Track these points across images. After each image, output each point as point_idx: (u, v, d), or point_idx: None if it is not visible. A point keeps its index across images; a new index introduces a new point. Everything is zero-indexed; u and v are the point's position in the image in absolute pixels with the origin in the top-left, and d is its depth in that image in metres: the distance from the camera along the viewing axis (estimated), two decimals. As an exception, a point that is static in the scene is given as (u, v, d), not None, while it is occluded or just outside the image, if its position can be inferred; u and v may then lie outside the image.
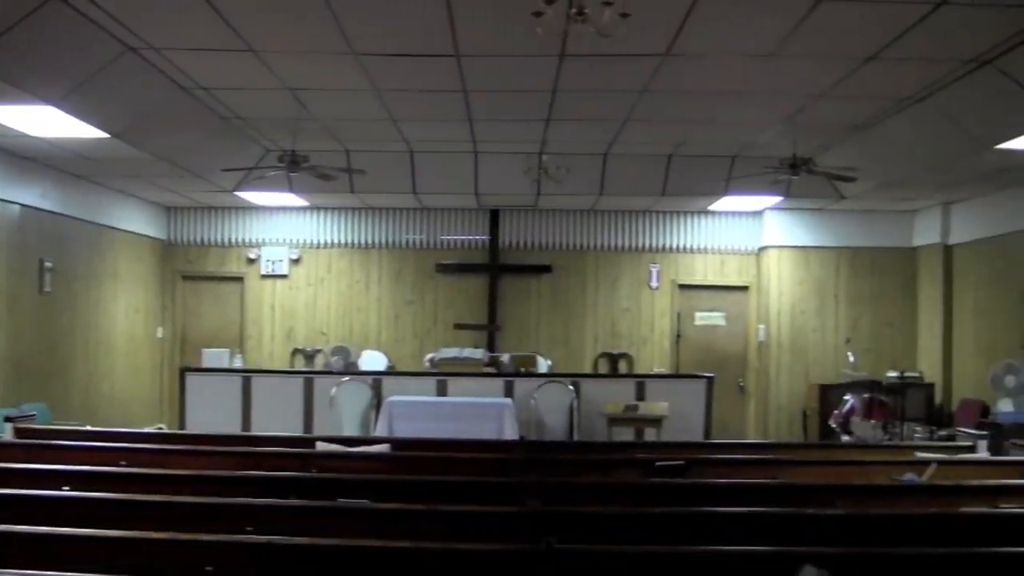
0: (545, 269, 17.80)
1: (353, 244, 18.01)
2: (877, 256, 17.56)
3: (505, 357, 15.43)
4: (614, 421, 13.32)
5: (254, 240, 18.05)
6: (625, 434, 13.32)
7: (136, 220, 16.76)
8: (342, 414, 13.69)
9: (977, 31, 8.58)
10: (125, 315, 16.35)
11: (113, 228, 15.86)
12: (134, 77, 9.97)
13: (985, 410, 14.08)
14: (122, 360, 16.21)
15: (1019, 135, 10.55)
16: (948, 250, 16.55)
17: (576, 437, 13.72)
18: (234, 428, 13.69)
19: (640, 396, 14.18)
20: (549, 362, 16.47)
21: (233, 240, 18.06)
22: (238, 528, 5.40)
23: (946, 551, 4.93)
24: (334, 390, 13.78)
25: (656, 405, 13.54)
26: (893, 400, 14.38)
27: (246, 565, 4.77)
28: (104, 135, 10.94)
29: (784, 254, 17.48)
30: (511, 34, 8.73)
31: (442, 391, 14.01)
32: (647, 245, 17.97)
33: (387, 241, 17.98)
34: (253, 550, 4.84)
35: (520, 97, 11.15)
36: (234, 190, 15.40)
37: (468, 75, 10.22)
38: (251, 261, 17.98)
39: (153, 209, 17.45)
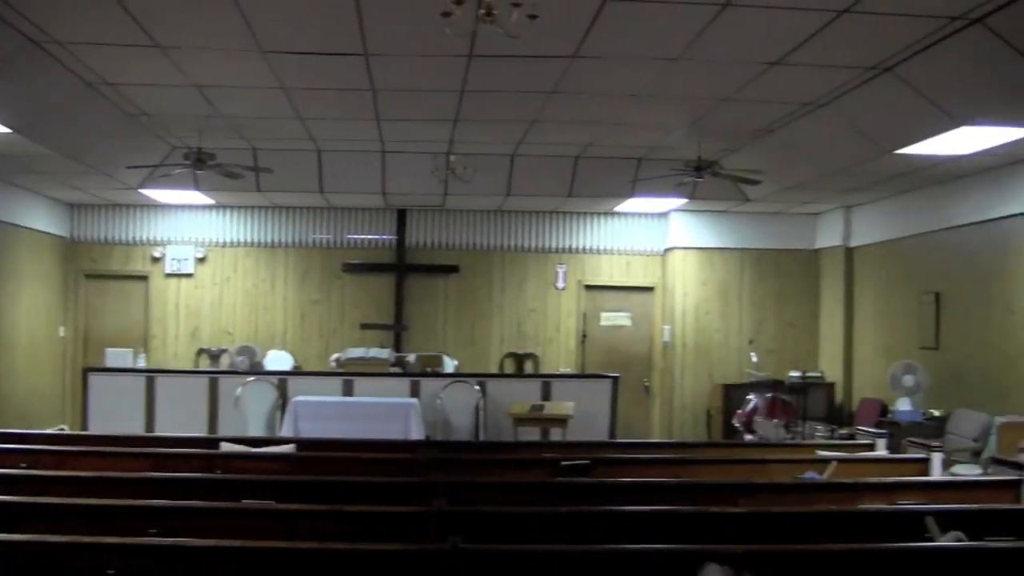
0: (452, 269, 17.81)
1: (259, 243, 17.90)
2: (780, 258, 17.78)
3: (411, 357, 15.43)
4: (520, 421, 13.37)
5: (159, 239, 17.86)
6: (531, 434, 13.37)
7: (38, 217, 16.52)
8: (247, 414, 13.62)
9: (878, 39, 8.73)
10: (26, 314, 16.10)
11: (14, 225, 15.61)
12: (37, 71, 9.85)
13: (884, 409, 14.31)
14: (23, 360, 15.97)
15: (918, 140, 10.75)
16: (849, 252, 16.81)
17: (482, 437, 13.76)
18: (138, 429, 13.57)
19: (546, 396, 14.25)
20: (455, 362, 16.49)
21: (138, 238, 17.86)
22: (141, 530, 5.37)
23: (846, 547, 5.03)
24: (239, 390, 13.70)
25: (562, 405, 13.61)
26: (795, 400, 14.58)
27: (150, 568, 4.74)
28: (5, 130, 10.78)
29: (689, 255, 17.65)
30: (420, 34, 8.75)
31: (348, 391, 13.98)
32: (554, 246, 18.05)
33: (294, 240, 17.89)
34: (157, 552, 4.82)
35: (428, 97, 11.17)
36: (139, 187, 15.23)
37: (376, 74, 10.22)
38: (156, 260, 17.79)
39: (56, 206, 17.21)
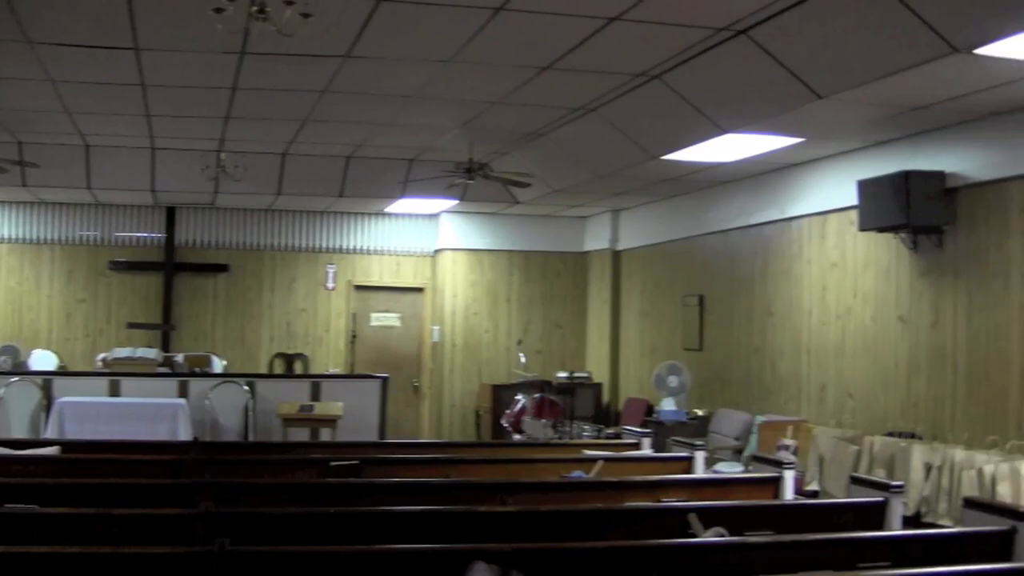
0: (222, 268, 17.54)
1: (24, 239, 17.28)
2: (549, 260, 18.03)
3: (179, 357, 15.17)
4: (289, 421, 13.27)
5: (-85, 234, 17.18)
6: (300, 434, 13.28)
7: None
8: (10, 416, 13.18)
9: (646, 47, 8.92)
10: None
11: None
12: None
13: (649, 409, 14.62)
14: None
15: (683, 147, 11.03)
16: (616, 255, 17.14)
17: (251, 437, 13.61)
18: None
19: (315, 396, 14.17)
20: (224, 362, 16.27)
21: None
22: None
23: (612, 544, 5.12)
24: (1, 391, 13.25)
25: (331, 405, 13.56)
26: (563, 400, 14.78)
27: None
28: None
29: (459, 256, 17.75)
30: (192, 29, 8.60)
31: (115, 392, 13.64)
32: (324, 246, 17.95)
33: (60, 237, 17.34)
34: (-89, 559, 4.64)
35: (200, 93, 10.99)
36: None
37: (147, 69, 10.01)
38: (-90, 256, 17.11)
39: None
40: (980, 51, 7.07)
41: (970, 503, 5.98)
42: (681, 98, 9.90)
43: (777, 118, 9.52)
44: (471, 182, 13.31)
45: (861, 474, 8.35)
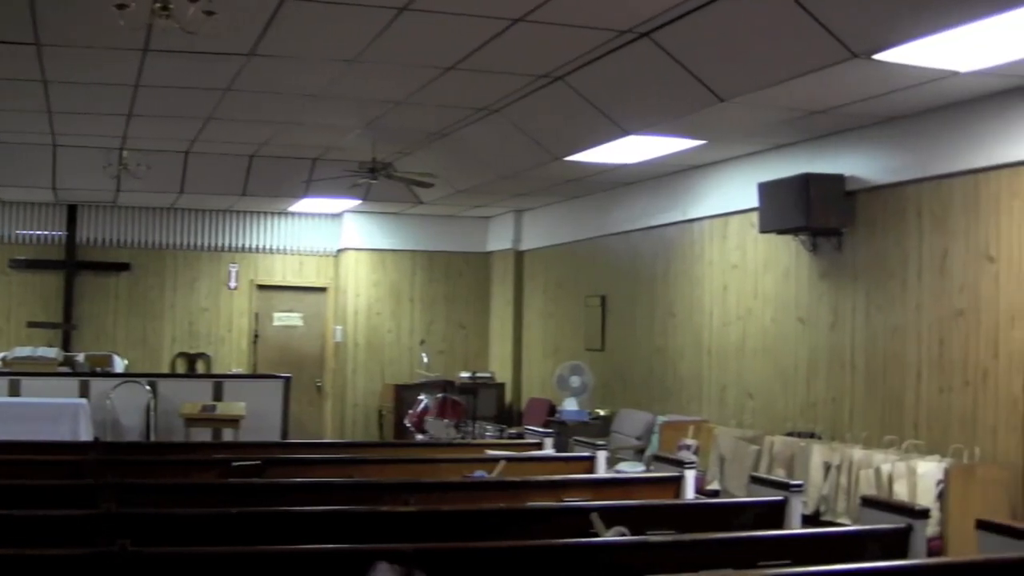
0: (123, 267, 17.29)
1: (-83, 237, 16.98)
2: (452, 260, 18.04)
3: (80, 356, 14.97)
4: (191, 421, 13.14)
5: None
6: (203, 434, 13.15)
7: None
8: (-96, 417, 12.93)
9: (550, 48, 8.95)
10: None
11: None
12: None
13: (552, 409, 14.67)
14: None
15: (586, 148, 11.08)
16: (519, 256, 17.18)
17: (153, 438, 13.47)
18: None
19: (218, 396, 14.06)
20: (126, 362, 16.08)
21: None
22: None
23: (515, 544, 5.13)
24: None
25: (233, 405, 13.46)
26: (465, 400, 14.79)
27: None
28: None
29: (362, 256, 17.70)
30: (94, 25, 8.48)
31: (14, 391, 13.41)
32: (227, 245, 17.79)
33: (-44, 235, 17.06)
34: None
35: (102, 90, 10.84)
36: None
37: (48, 65, 9.85)
38: None
39: None
40: (879, 57, 7.18)
41: (868, 501, 6.07)
42: (584, 100, 9.94)
43: (679, 120, 9.60)
44: (374, 182, 13.28)
45: (761, 473, 8.44)
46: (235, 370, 17.05)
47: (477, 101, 10.92)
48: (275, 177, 15.19)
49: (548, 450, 9.49)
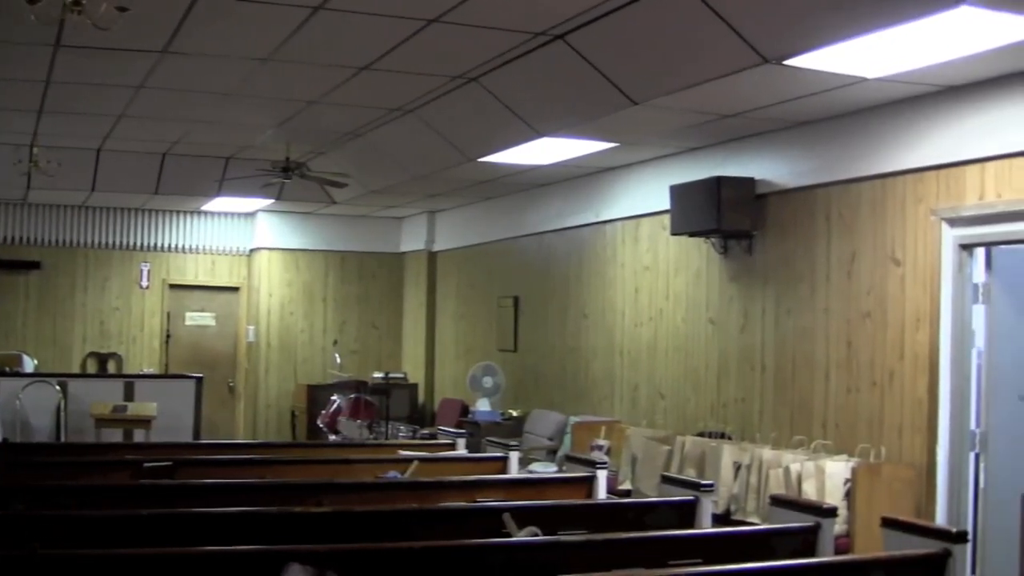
0: (34, 266, 17.05)
1: None
2: (365, 260, 18.02)
3: (-11, 356, 14.81)
4: (102, 422, 13.01)
5: None
6: (114, 435, 13.03)
7: None
8: None
9: (464, 49, 8.97)
10: None
11: None
12: None
13: (465, 409, 14.70)
14: None
15: (500, 149, 11.11)
16: (433, 256, 17.20)
17: (64, 438, 13.31)
18: None
19: (129, 396, 13.93)
20: (36, 361, 15.89)
21: None
22: None
23: (428, 544, 5.15)
24: None
25: (145, 406, 13.34)
26: (378, 400, 14.76)
27: None
28: None
29: (275, 256, 17.62)
30: (4, 20, 8.37)
31: (-79, 392, 13.25)
32: (139, 243, 17.62)
33: None
34: None
35: (12, 86, 10.69)
36: None
37: (-46, 61, 9.73)
38: None
39: None
40: (789, 62, 7.28)
41: (777, 501, 6.16)
42: (498, 101, 9.97)
43: (592, 123, 9.66)
44: (288, 181, 13.24)
45: (672, 473, 8.51)
46: (147, 370, 16.90)
47: (391, 101, 10.91)
48: (188, 176, 15.07)
49: (461, 451, 9.51)
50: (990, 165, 7.67)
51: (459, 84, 10.06)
